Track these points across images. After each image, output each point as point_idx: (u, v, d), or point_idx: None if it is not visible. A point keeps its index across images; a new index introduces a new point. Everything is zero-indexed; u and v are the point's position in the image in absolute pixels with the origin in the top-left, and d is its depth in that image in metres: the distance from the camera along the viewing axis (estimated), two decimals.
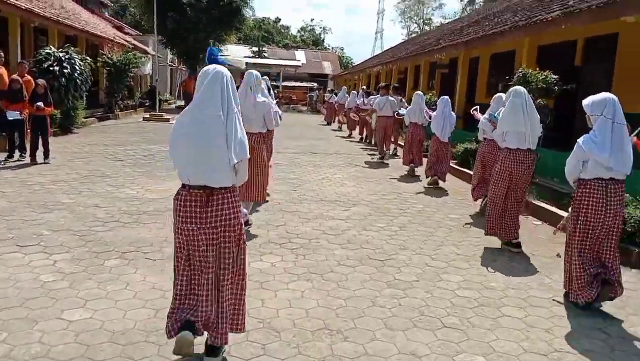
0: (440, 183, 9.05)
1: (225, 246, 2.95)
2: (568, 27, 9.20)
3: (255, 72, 5.75)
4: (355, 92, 20.02)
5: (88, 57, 15.20)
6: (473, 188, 7.28)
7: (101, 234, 5.39)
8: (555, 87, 8.19)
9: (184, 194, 2.89)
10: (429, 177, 9.08)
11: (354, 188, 8.72)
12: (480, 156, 7.09)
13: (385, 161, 11.98)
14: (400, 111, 11.13)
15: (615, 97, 3.99)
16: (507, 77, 10.25)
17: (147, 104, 24.65)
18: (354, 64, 58.07)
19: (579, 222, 4.07)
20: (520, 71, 8.60)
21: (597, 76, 10.31)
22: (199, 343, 3.03)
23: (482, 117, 6.88)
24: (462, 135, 11.84)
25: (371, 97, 15.06)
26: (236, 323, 3.10)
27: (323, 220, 6.47)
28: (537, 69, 8.58)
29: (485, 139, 6.98)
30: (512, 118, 5.33)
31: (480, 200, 7.23)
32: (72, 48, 14.40)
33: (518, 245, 5.54)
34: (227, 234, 2.92)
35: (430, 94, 14.64)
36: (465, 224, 6.64)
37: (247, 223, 5.82)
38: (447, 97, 9.36)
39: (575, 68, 11.23)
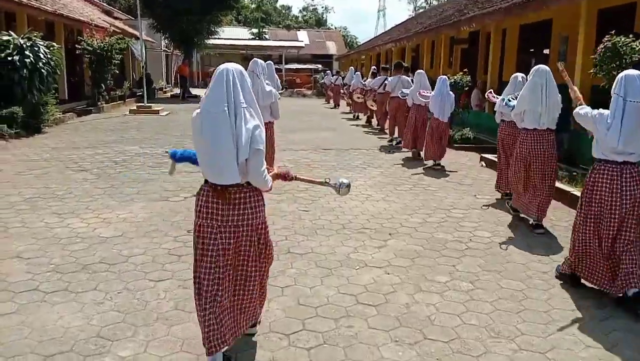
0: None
1: (246, 249, 2.78)
2: None
3: (260, 60, 5.73)
4: (359, 73, 18.99)
5: (55, 44, 12.93)
6: (497, 178, 6.84)
7: None
8: None
9: (206, 189, 2.73)
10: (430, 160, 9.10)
11: (385, 204, 6.55)
12: (500, 141, 6.70)
13: (396, 145, 11.30)
14: (404, 91, 10.40)
15: (636, 72, 3.52)
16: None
17: (138, 93, 22.50)
18: (359, 43, 55.40)
19: (592, 209, 3.73)
20: (606, 39, 6.33)
21: None
22: None
23: (498, 99, 6.49)
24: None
25: (377, 78, 14.08)
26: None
27: (352, 270, 4.33)
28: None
29: (503, 121, 6.62)
30: (531, 97, 5.25)
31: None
32: (35, 33, 12.19)
33: (539, 226, 5.41)
34: (249, 235, 2.76)
35: (461, 74, 12.30)
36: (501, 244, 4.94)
37: None
38: (445, 76, 9.21)
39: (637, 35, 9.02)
